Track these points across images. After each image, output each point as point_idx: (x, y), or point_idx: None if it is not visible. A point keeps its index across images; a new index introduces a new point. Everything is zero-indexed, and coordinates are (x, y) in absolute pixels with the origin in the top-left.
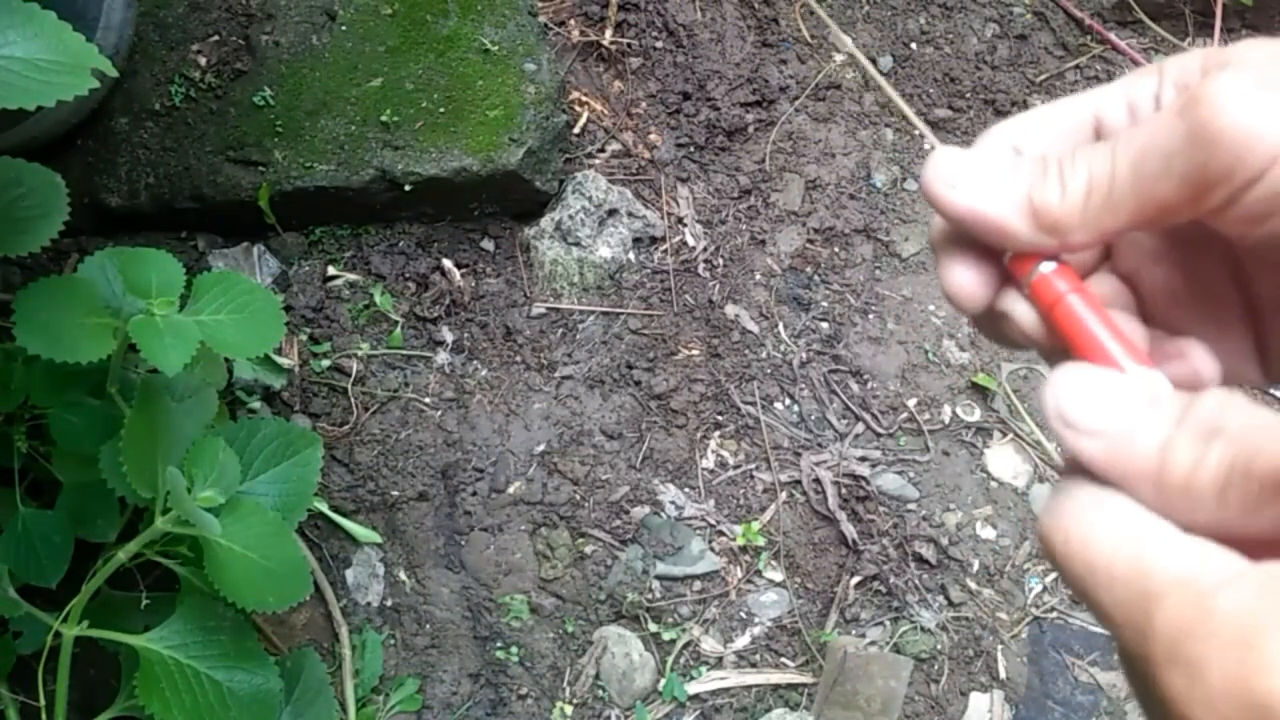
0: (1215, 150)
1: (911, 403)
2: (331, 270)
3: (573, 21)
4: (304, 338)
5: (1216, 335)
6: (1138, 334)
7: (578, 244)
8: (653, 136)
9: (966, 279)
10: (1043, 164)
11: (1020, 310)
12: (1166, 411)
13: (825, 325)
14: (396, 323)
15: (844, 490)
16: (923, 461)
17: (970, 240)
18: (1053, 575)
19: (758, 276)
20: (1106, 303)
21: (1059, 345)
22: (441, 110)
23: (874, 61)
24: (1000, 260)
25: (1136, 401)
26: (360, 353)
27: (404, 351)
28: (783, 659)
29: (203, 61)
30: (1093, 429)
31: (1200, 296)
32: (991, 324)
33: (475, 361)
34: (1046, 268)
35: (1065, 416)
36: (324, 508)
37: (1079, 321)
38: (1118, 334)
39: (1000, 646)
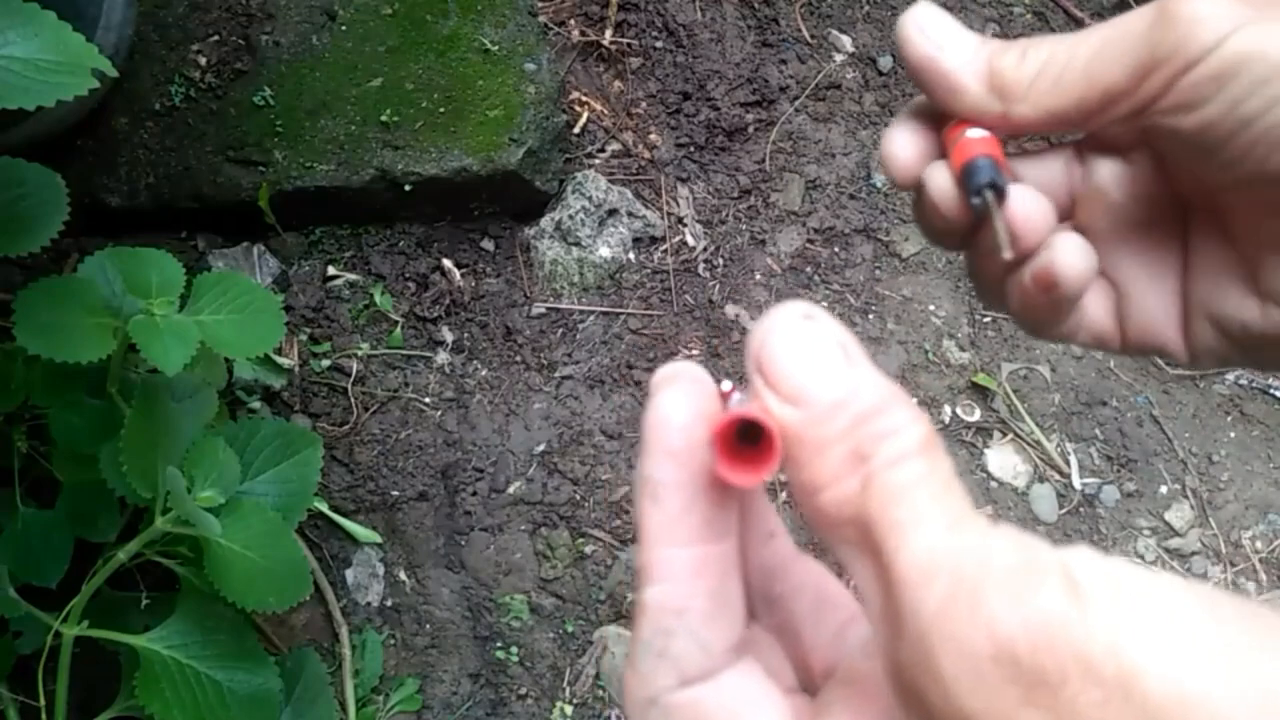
0: (1168, 30)
1: (912, 402)
2: (331, 270)
3: (573, 21)
4: (304, 338)
5: (1145, 278)
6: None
7: (578, 244)
8: (653, 136)
9: (904, 144)
10: (1011, 44)
11: (938, 179)
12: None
13: None
14: (396, 323)
15: None
16: None
17: (921, 114)
18: None
19: (758, 276)
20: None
21: (972, 231)
22: (441, 110)
23: (873, 61)
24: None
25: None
26: (360, 353)
27: (404, 351)
28: None
29: (203, 61)
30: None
31: (1142, 239)
32: (922, 207)
33: (475, 361)
34: (975, 133)
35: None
36: (324, 508)
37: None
38: None
39: None
